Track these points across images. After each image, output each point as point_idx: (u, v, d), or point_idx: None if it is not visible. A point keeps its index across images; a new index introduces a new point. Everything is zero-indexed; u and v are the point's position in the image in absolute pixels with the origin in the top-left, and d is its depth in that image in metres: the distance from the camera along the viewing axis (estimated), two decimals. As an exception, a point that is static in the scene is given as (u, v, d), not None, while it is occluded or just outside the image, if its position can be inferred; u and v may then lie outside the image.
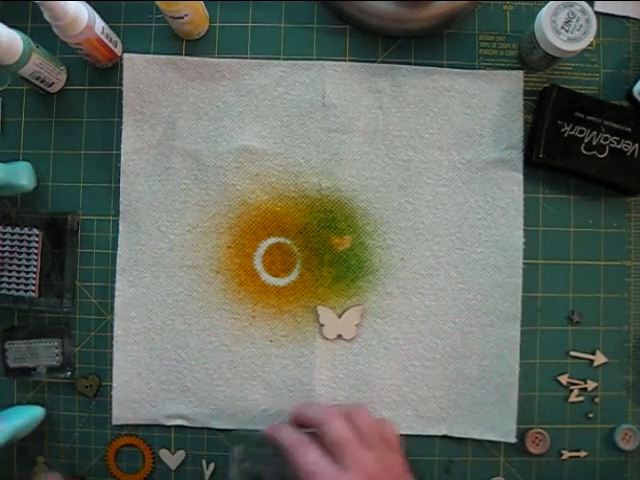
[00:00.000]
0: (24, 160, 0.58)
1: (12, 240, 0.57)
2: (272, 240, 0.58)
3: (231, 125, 0.58)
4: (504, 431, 0.57)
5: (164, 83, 0.58)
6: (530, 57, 0.57)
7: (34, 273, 0.57)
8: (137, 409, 0.57)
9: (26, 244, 0.57)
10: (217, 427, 0.57)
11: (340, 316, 0.57)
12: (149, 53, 0.58)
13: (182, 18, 0.54)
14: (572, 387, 0.58)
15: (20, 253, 0.57)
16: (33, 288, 0.57)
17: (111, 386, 0.57)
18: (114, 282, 0.57)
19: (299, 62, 0.58)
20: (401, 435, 0.50)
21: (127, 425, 0.57)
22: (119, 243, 0.58)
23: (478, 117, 0.58)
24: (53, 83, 0.57)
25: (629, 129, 0.56)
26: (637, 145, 0.56)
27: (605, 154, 0.57)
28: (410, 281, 0.57)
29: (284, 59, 0.59)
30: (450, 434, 0.57)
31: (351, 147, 0.58)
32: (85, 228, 0.58)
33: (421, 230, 0.58)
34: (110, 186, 0.58)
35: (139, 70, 0.58)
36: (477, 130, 0.58)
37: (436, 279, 0.57)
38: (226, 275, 0.57)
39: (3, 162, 0.56)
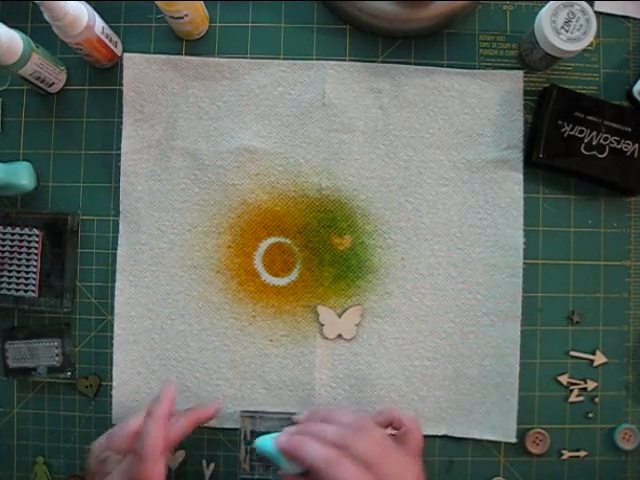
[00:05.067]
0: (24, 160, 0.58)
1: (12, 240, 0.57)
2: (272, 240, 0.58)
3: (231, 125, 0.58)
4: (504, 431, 0.57)
5: (164, 83, 0.58)
6: (530, 57, 0.57)
7: (34, 273, 0.57)
8: (137, 409, 0.57)
9: (26, 244, 0.57)
10: (217, 427, 0.57)
11: (340, 316, 0.57)
12: (149, 53, 0.58)
13: (182, 18, 0.54)
14: (572, 387, 0.58)
15: (20, 253, 0.57)
16: (33, 288, 0.57)
17: (111, 386, 0.57)
18: (114, 282, 0.57)
19: (299, 62, 0.58)
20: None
21: (127, 425, 0.57)
22: (119, 243, 0.58)
23: (478, 117, 0.58)
24: (53, 83, 0.57)
25: (629, 129, 0.56)
26: (637, 145, 0.56)
27: (605, 154, 0.57)
28: (410, 281, 0.57)
29: (284, 59, 0.59)
30: (450, 434, 0.57)
31: (351, 147, 0.58)
32: (85, 228, 0.58)
33: (421, 230, 0.58)
34: (110, 186, 0.59)
35: (139, 70, 0.58)
36: (477, 130, 0.58)
37: (436, 279, 0.57)
38: (226, 275, 0.57)
39: (3, 162, 0.56)
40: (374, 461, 0.43)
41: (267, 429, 0.55)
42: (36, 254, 0.57)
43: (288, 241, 0.58)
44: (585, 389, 0.58)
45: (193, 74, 0.58)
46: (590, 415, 0.58)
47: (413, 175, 0.58)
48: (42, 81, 0.55)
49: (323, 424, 0.47)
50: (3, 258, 0.57)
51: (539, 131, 0.56)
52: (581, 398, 0.58)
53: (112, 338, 0.57)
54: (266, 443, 0.47)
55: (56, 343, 0.57)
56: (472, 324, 0.57)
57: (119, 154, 0.58)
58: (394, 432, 0.50)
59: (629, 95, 0.59)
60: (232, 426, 0.56)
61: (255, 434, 0.55)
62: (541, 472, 0.57)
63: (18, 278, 0.57)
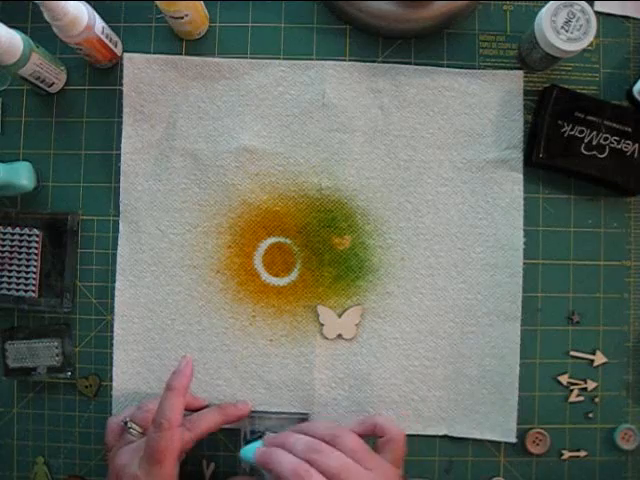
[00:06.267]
0: (24, 160, 0.58)
1: (12, 240, 0.57)
2: (272, 240, 0.58)
3: (231, 125, 0.58)
4: (504, 431, 0.57)
5: (164, 83, 0.58)
6: (530, 57, 0.57)
7: (34, 273, 0.57)
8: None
9: (26, 244, 0.57)
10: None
11: (340, 316, 0.57)
12: (149, 53, 0.58)
13: (182, 18, 0.54)
14: (572, 387, 0.58)
15: (20, 253, 0.57)
16: (33, 288, 0.57)
17: (111, 386, 0.57)
18: (114, 282, 0.57)
19: (299, 62, 0.58)
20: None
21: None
22: (119, 243, 0.58)
23: (478, 117, 0.58)
24: (53, 83, 0.57)
25: (629, 129, 0.56)
26: (637, 145, 0.56)
27: (605, 154, 0.57)
28: (410, 281, 0.57)
29: (284, 59, 0.59)
30: (450, 434, 0.57)
31: (351, 147, 0.58)
32: (85, 228, 0.58)
33: (421, 230, 0.58)
34: (110, 186, 0.59)
35: (139, 70, 0.58)
36: (477, 130, 0.58)
37: (436, 279, 0.57)
38: (226, 275, 0.57)
39: (3, 162, 0.56)
40: (341, 474, 0.43)
41: (267, 429, 0.55)
42: (36, 254, 0.57)
43: (288, 241, 0.58)
44: (585, 389, 0.58)
45: (193, 74, 0.58)
46: (590, 415, 0.58)
47: (413, 175, 0.58)
48: (42, 81, 0.55)
49: (297, 435, 0.46)
50: (3, 258, 0.57)
51: (539, 131, 0.56)
52: (581, 398, 0.58)
53: (112, 338, 0.57)
54: (248, 454, 0.47)
55: (56, 343, 0.57)
56: (472, 324, 0.57)
57: (119, 154, 0.58)
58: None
59: (629, 95, 0.59)
60: (232, 426, 0.56)
61: (255, 434, 0.55)
62: (541, 472, 0.57)
63: (18, 278, 0.57)
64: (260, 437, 0.52)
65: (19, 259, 0.57)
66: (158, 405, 0.47)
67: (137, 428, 0.49)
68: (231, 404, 0.55)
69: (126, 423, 0.50)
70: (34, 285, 0.57)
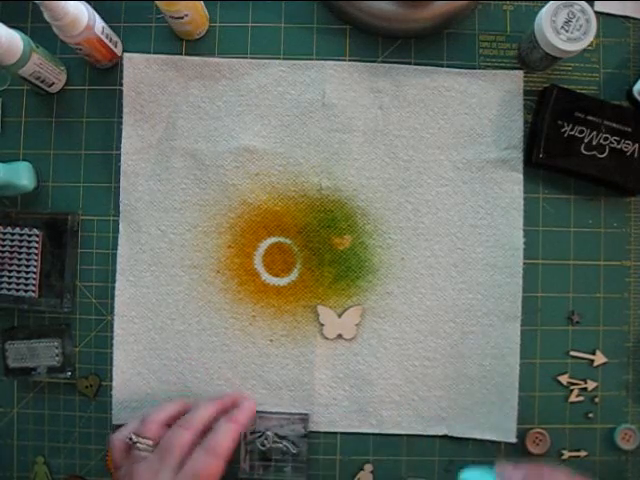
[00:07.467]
0: (24, 160, 0.58)
1: (12, 240, 0.57)
2: (272, 240, 0.58)
3: (231, 125, 0.58)
4: (504, 431, 0.57)
5: (164, 83, 0.58)
6: (530, 57, 0.57)
7: (34, 273, 0.57)
8: (137, 409, 0.57)
9: (26, 244, 0.57)
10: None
11: (340, 316, 0.57)
12: (149, 53, 0.58)
13: (182, 18, 0.54)
14: (572, 387, 0.58)
15: (20, 253, 0.57)
16: (33, 288, 0.57)
17: (111, 386, 0.57)
18: (114, 282, 0.57)
19: (299, 62, 0.58)
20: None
21: (127, 425, 0.57)
22: (119, 243, 0.58)
23: (478, 117, 0.58)
24: (53, 83, 0.57)
25: (629, 129, 0.56)
26: (637, 145, 0.56)
27: (605, 154, 0.57)
28: (410, 281, 0.57)
29: (284, 59, 0.59)
30: (450, 434, 0.57)
31: (351, 147, 0.58)
32: (85, 228, 0.58)
33: (421, 230, 0.58)
34: (110, 186, 0.59)
35: (139, 70, 0.58)
36: (477, 130, 0.58)
37: (436, 279, 0.57)
38: (226, 275, 0.57)
39: (3, 162, 0.56)
40: None
41: (267, 429, 0.56)
42: (36, 254, 0.57)
43: (288, 241, 0.58)
44: (585, 389, 0.58)
45: (193, 74, 0.58)
46: (590, 415, 0.58)
47: (413, 175, 0.58)
48: (42, 81, 0.55)
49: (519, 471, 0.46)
50: (3, 258, 0.57)
51: (539, 131, 0.56)
52: (581, 398, 0.58)
53: (112, 338, 0.57)
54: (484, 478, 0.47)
55: (56, 343, 0.57)
56: (472, 324, 0.57)
57: (119, 154, 0.58)
58: None
59: (629, 95, 0.59)
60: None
61: (254, 434, 0.55)
62: (541, 472, 0.57)
63: (18, 278, 0.57)
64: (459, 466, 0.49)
65: (19, 259, 0.57)
66: (214, 431, 0.47)
67: (146, 441, 0.48)
68: (236, 409, 0.51)
69: (131, 439, 0.48)
70: (34, 285, 0.57)
